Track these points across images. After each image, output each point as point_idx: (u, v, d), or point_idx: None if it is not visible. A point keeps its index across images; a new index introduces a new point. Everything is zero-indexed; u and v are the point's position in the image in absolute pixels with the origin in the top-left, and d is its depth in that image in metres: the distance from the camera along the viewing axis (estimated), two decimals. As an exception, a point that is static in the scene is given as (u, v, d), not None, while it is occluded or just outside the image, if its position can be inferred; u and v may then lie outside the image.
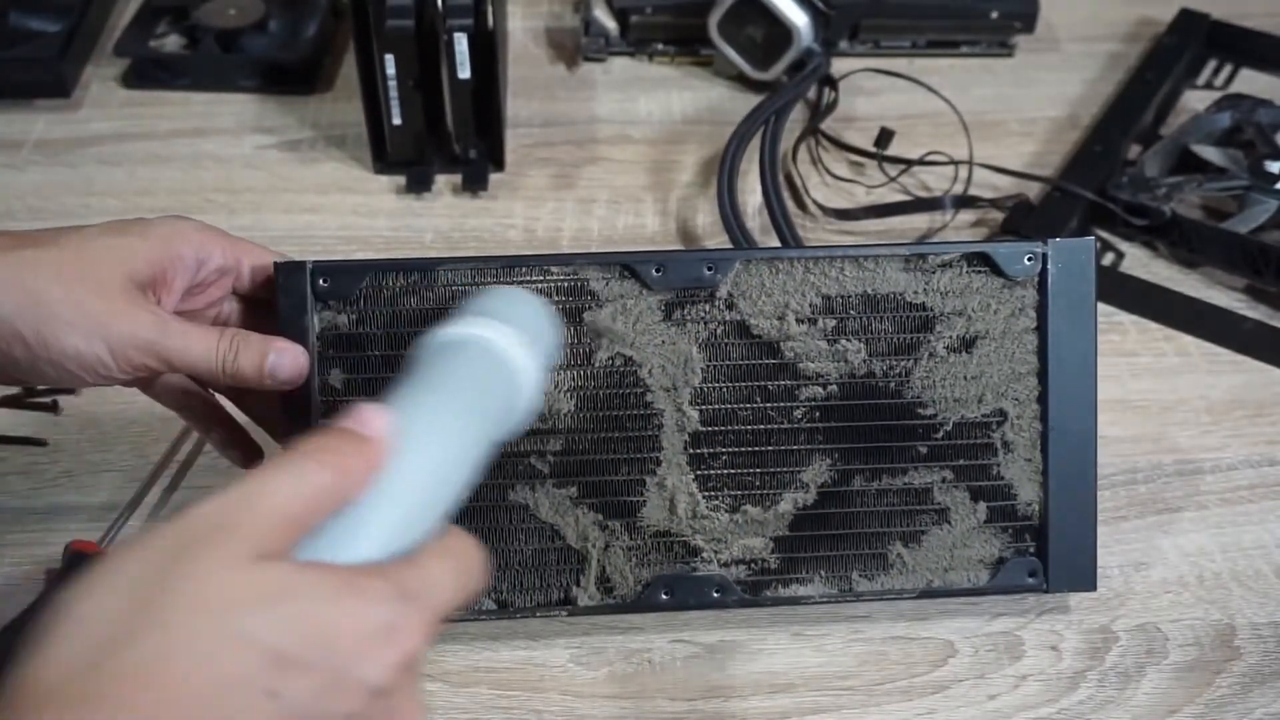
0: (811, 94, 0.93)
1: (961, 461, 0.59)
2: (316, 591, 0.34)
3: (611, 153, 0.89)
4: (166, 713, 0.31)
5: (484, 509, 0.57)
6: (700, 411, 0.58)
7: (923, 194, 0.86)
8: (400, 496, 0.37)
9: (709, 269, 0.57)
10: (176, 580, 0.33)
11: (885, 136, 0.87)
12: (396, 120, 0.83)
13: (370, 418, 0.38)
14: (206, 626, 0.32)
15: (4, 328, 0.50)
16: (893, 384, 0.58)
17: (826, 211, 0.83)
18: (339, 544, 0.36)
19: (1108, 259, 0.80)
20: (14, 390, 0.70)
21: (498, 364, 0.43)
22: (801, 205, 0.85)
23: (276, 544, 0.34)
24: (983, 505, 0.59)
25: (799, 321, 0.58)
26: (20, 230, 0.52)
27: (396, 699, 0.36)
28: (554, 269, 0.57)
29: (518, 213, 0.84)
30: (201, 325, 0.53)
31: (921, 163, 0.86)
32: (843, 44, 0.97)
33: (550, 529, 0.58)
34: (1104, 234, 0.82)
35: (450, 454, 0.39)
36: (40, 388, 0.70)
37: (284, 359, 0.54)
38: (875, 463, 0.59)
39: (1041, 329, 0.58)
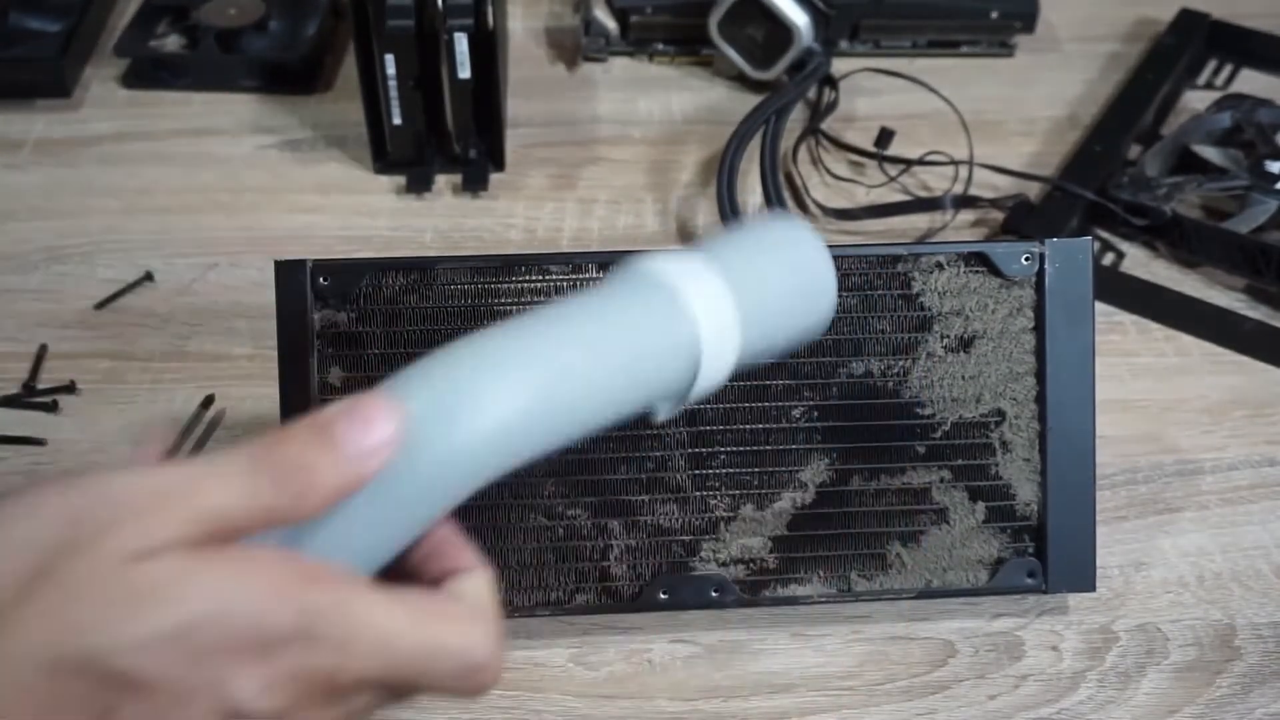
0: (812, 94, 0.92)
1: (960, 461, 0.59)
2: None
3: (611, 153, 0.89)
4: None
5: (483, 508, 0.57)
6: (699, 410, 0.58)
7: (923, 194, 0.86)
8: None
9: (708, 268, 0.57)
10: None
11: (885, 136, 0.87)
12: (396, 120, 0.83)
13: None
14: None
15: None
16: (890, 383, 0.58)
17: (827, 211, 0.83)
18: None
19: (1108, 259, 0.80)
20: (14, 390, 0.70)
21: (678, 329, 0.33)
22: (802, 205, 0.85)
23: None
24: (981, 505, 0.59)
25: (798, 321, 0.58)
26: None
27: None
28: (554, 268, 0.57)
29: (518, 213, 0.84)
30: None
31: (921, 163, 0.86)
32: (843, 44, 0.96)
33: (549, 529, 0.58)
34: (1104, 234, 0.82)
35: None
36: (40, 387, 0.70)
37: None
38: (873, 462, 0.58)
39: (1039, 329, 0.58)
